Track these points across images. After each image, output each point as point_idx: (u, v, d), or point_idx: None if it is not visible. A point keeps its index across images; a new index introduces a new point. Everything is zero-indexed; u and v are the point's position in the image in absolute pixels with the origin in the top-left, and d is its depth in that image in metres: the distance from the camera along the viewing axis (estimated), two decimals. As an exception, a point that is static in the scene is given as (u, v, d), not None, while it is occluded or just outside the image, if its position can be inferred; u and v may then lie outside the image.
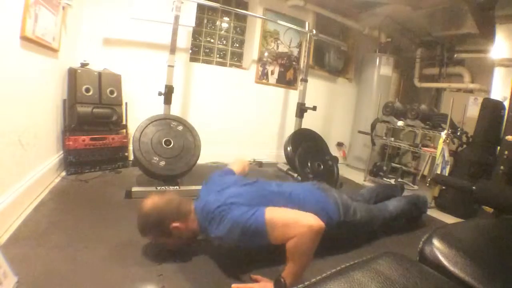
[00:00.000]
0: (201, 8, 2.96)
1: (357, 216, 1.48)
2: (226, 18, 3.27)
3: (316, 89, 3.51)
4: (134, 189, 1.84)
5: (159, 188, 1.89)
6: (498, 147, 2.26)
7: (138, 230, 1.22)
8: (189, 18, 2.65)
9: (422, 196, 1.98)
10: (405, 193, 2.14)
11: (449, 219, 2.17)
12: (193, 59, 3.03)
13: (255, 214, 1.07)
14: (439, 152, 2.36)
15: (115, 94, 2.33)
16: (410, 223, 1.90)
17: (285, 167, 2.86)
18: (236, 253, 1.28)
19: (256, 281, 1.12)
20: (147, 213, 1.19)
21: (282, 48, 3.32)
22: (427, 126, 2.77)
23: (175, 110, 2.62)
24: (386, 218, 1.65)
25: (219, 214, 1.11)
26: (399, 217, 1.74)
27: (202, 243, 1.35)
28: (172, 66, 2.31)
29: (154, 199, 1.23)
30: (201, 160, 2.22)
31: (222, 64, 3.26)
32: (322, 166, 2.59)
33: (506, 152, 2.11)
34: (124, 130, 2.45)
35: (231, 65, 3.31)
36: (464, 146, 2.45)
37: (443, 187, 2.32)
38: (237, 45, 3.35)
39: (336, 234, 1.38)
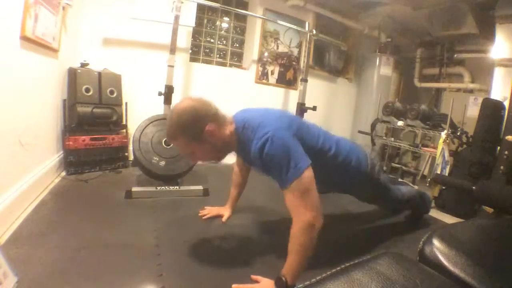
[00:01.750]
0: (201, 8, 2.96)
1: (380, 176, 1.50)
2: (226, 18, 3.27)
3: (316, 89, 3.51)
4: (134, 189, 1.84)
5: (159, 188, 1.89)
6: (498, 147, 2.26)
7: (167, 133, 1.12)
8: (189, 18, 2.65)
9: (428, 194, 1.98)
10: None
11: (449, 219, 2.16)
12: (193, 59, 3.03)
13: (302, 161, 1.01)
14: (439, 152, 2.36)
15: (115, 94, 2.33)
16: (410, 223, 1.91)
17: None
18: (236, 253, 1.28)
19: (256, 281, 1.12)
20: (182, 110, 1.07)
21: (282, 48, 3.32)
22: (427, 126, 2.77)
23: (175, 110, 2.61)
24: (398, 198, 1.66)
25: (265, 129, 1.02)
26: (408, 202, 1.75)
27: (204, 244, 1.35)
28: (172, 66, 2.31)
29: (190, 99, 1.11)
30: (201, 160, 2.22)
31: (222, 64, 3.26)
32: (322, 166, 2.59)
33: (506, 152, 2.11)
34: (124, 130, 2.45)
35: (231, 65, 3.31)
36: (464, 146, 2.45)
37: (443, 187, 2.32)
38: (237, 45, 3.35)
39: (360, 185, 1.44)
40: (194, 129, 1.06)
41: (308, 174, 1.01)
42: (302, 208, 0.99)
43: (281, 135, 1.02)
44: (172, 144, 2.01)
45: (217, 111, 1.13)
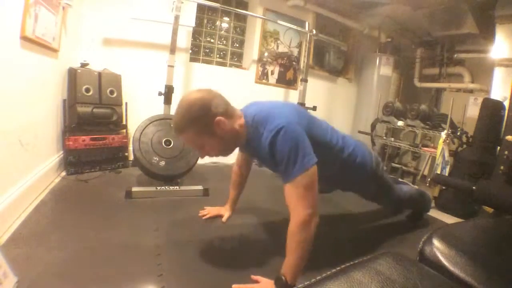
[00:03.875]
0: (201, 8, 2.96)
1: (384, 175, 1.52)
2: (226, 18, 3.27)
3: (316, 89, 3.51)
4: (134, 189, 1.84)
5: (159, 188, 1.89)
6: (498, 147, 2.26)
7: (175, 125, 1.06)
8: (189, 18, 2.65)
9: (428, 194, 1.99)
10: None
11: (449, 219, 2.17)
12: (193, 59, 3.03)
13: (310, 157, 1.00)
14: (439, 152, 2.36)
15: (115, 94, 2.33)
16: (411, 222, 1.91)
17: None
18: (236, 253, 1.28)
19: (256, 281, 1.11)
20: (192, 102, 1.03)
21: (282, 48, 3.32)
22: (427, 126, 2.77)
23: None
24: (400, 196, 1.67)
25: (284, 131, 0.99)
26: (409, 201, 1.76)
27: (204, 244, 1.35)
28: (172, 66, 2.31)
29: (200, 91, 1.07)
30: (201, 160, 2.21)
31: (222, 64, 3.26)
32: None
33: (506, 152, 2.11)
34: (124, 130, 2.45)
35: (231, 65, 3.31)
36: (464, 146, 2.45)
37: (443, 187, 2.32)
38: (237, 45, 3.35)
39: (364, 182, 1.45)
40: (203, 121, 1.03)
41: (314, 171, 1.01)
42: (301, 204, 0.99)
43: (292, 128, 1.01)
44: (172, 144, 2.02)
45: (227, 104, 1.11)
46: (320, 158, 1.03)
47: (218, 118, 1.03)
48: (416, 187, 2.95)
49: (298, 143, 0.99)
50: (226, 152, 1.16)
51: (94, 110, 2.20)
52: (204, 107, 1.03)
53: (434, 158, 2.51)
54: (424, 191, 1.94)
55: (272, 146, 1.01)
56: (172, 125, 1.08)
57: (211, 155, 1.14)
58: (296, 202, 1.00)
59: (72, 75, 2.15)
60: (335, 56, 3.56)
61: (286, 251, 1.01)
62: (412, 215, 1.94)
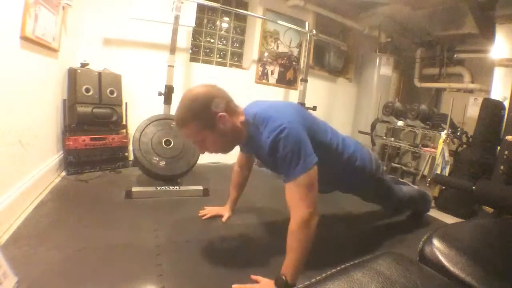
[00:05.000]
0: (201, 8, 2.96)
1: (384, 177, 1.52)
2: (226, 18, 3.27)
3: (316, 89, 3.51)
4: (134, 189, 1.84)
5: (159, 188, 1.89)
6: (498, 147, 2.26)
7: (177, 119, 1.07)
8: (189, 18, 2.65)
9: (428, 194, 1.99)
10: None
11: (449, 219, 2.16)
12: (193, 59, 3.03)
13: (311, 157, 1.00)
14: (439, 152, 2.36)
15: (115, 94, 2.33)
16: (411, 222, 1.91)
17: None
18: (236, 253, 1.28)
19: (256, 281, 1.11)
20: (195, 96, 1.04)
21: (282, 48, 3.32)
22: (427, 126, 2.77)
23: (175, 110, 2.61)
24: (400, 197, 1.67)
25: (286, 131, 0.99)
26: (410, 201, 1.76)
27: (204, 244, 1.35)
28: (172, 66, 2.31)
29: (205, 85, 1.09)
30: (201, 160, 2.22)
31: (222, 64, 3.26)
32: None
33: (506, 152, 2.11)
34: (124, 130, 2.45)
35: (231, 65, 3.31)
36: (464, 146, 2.45)
37: (443, 187, 2.32)
38: (237, 45, 3.35)
39: (364, 184, 1.45)
40: (206, 115, 1.03)
41: (315, 170, 1.01)
42: (303, 203, 0.99)
43: (294, 129, 1.01)
44: (172, 144, 2.02)
45: (230, 100, 1.11)
46: (320, 159, 1.03)
47: (220, 114, 1.04)
48: (416, 187, 2.96)
49: (300, 144, 1.00)
50: (226, 149, 1.16)
51: (94, 110, 2.20)
52: (207, 102, 1.03)
53: (434, 158, 2.51)
54: (424, 192, 1.94)
55: (273, 146, 1.01)
56: (174, 119, 1.08)
57: (210, 151, 1.14)
58: (297, 201, 1.00)
59: (72, 75, 2.15)
60: (335, 56, 3.56)
61: (286, 250, 1.01)
62: (412, 215, 1.94)
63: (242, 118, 1.13)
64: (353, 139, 1.47)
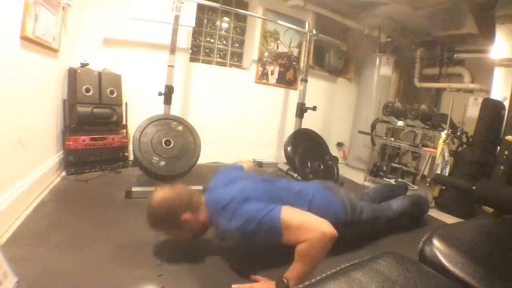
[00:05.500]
0: (201, 8, 2.95)
1: (363, 216, 1.49)
2: (226, 18, 3.27)
3: (316, 89, 3.51)
4: (134, 189, 1.84)
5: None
6: (498, 147, 2.26)
7: (148, 224, 1.19)
8: (189, 18, 2.65)
9: (424, 196, 1.98)
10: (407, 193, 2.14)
11: (449, 219, 2.17)
12: (193, 59, 3.03)
13: (272, 212, 1.05)
14: (439, 152, 2.36)
15: (115, 94, 2.33)
16: (411, 223, 1.90)
17: (285, 167, 2.86)
18: (236, 253, 1.28)
19: (256, 281, 1.12)
20: (157, 207, 1.15)
21: (282, 48, 3.32)
22: (427, 126, 2.77)
23: (175, 110, 2.62)
24: (390, 217, 1.66)
25: (233, 208, 1.09)
26: (402, 216, 1.74)
27: (204, 244, 1.35)
28: (172, 66, 2.31)
29: (163, 192, 1.19)
30: (201, 160, 2.22)
31: (222, 64, 3.26)
32: (322, 166, 2.59)
33: (506, 152, 2.11)
34: (124, 130, 2.45)
35: (231, 65, 3.31)
36: (464, 146, 2.45)
37: (443, 187, 2.32)
38: (237, 45, 3.35)
39: (341, 233, 1.38)
40: (171, 220, 1.15)
41: (286, 212, 1.06)
42: (306, 232, 1.00)
43: (252, 217, 1.06)
44: (172, 144, 2.02)
45: (191, 199, 1.21)
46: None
47: (184, 216, 1.15)
48: (416, 187, 2.96)
49: (256, 217, 1.05)
50: (197, 236, 1.27)
51: (94, 110, 2.20)
52: (169, 209, 1.15)
53: (434, 158, 2.51)
54: (419, 195, 1.94)
55: (239, 232, 1.07)
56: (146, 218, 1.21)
57: (184, 241, 1.28)
58: (300, 236, 1.01)
59: (72, 75, 2.15)
60: (335, 56, 3.56)
61: (294, 259, 1.01)
62: (411, 219, 1.92)
63: (204, 212, 1.21)
64: (324, 190, 1.44)
